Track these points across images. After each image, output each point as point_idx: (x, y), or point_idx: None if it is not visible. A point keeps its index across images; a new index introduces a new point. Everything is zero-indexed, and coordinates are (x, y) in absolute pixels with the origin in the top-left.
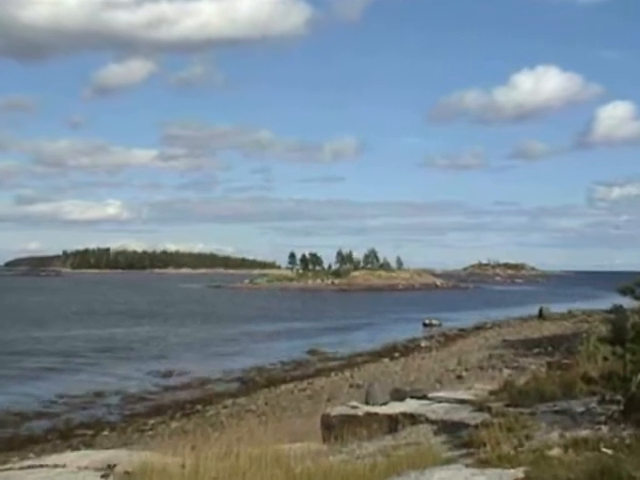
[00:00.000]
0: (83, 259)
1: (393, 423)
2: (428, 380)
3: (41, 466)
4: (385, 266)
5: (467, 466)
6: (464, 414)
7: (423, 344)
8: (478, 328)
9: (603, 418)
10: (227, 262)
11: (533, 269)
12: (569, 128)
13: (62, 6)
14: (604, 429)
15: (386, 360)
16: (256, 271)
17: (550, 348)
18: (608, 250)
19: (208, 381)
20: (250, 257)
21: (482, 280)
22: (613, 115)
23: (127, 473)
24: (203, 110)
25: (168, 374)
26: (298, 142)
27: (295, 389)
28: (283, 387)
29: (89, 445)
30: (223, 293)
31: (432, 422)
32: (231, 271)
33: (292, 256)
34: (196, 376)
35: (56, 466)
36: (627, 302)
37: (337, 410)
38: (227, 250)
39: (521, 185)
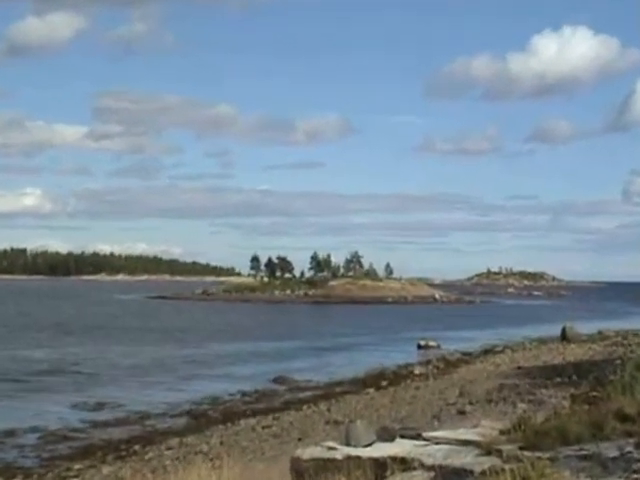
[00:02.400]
0: None
1: (380, 469)
2: (423, 416)
3: None
4: (371, 274)
5: None
6: (468, 458)
7: (417, 371)
8: (486, 352)
9: None
10: (174, 267)
11: (555, 279)
12: (602, 105)
13: None
14: None
15: (371, 390)
16: (210, 278)
17: (575, 377)
18: None
19: (149, 415)
20: (203, 261)
21: (492, 292)
22: None
23: None
24: (146, 78)
25: (99, 406)
26: (265, 119)
27: (258, 426)
28: (243, 423)
29: None
30: (168, 306)
31: (428, 468)
32: (179, 278)
33: (255, 260)
34: (134, 409)
35: None
36: None
37: (310, 452)
38: (174, 252)
39: (542, 175)
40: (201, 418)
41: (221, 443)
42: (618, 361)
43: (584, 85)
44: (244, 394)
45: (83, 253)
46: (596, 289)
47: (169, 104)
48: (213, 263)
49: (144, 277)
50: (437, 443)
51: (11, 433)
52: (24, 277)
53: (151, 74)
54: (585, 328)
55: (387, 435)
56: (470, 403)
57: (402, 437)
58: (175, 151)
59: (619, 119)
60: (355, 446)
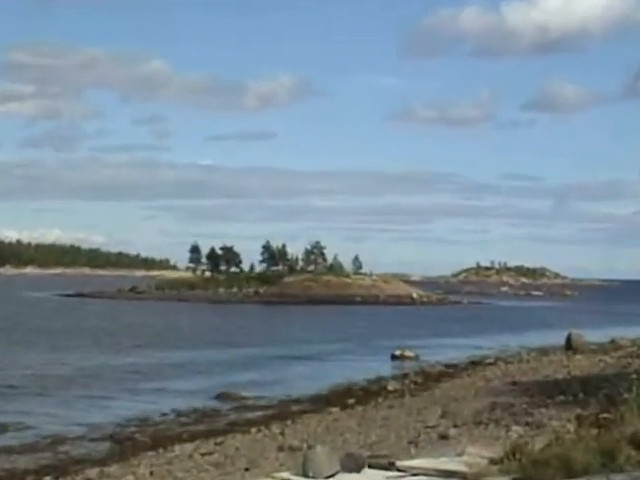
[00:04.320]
0: None
1: None
2: (398, 441)
3: None
4: (336, 268)
5: None
6: None
7: (391, 386)
8: (474, 363)
9: None
10: (96, 259)
11: (558, 277)
12: (617, 65)
13: None
14: None
15: (335, 410)
16: (140, 272)
17: (582, 395)
18: None
19: (63, 439)
20: (132, 251)
21: (482, 292)
22: None
23: None
24: (63, 28)
25: (2, 429)
26: (207, 80)
27: (196, 452)
28: (178, 449)
29: None
30: (90, 306)
31: None
32: (101, 272)
33: (195, 251)
34: (45, 432)
35: None
36: None
37: None
38: (96, 240)
39: (544, 151)
40: (127, 443)
41: (151, 473)
42: (634, 376)
43: (596, 41)
44: (180, 414)
45: None
46: (608, 289)
47: (91, 59)
48: (143, 254)
49: (59, 270)
50: (414, 474)
51: None
52: None
53: (70, 22)
54: (594, 336)
55: (353, 464)
56: (454, 426)
57: (371, 467)
58: (98, 116)
59: (638, 82)
60: (315, 477)
